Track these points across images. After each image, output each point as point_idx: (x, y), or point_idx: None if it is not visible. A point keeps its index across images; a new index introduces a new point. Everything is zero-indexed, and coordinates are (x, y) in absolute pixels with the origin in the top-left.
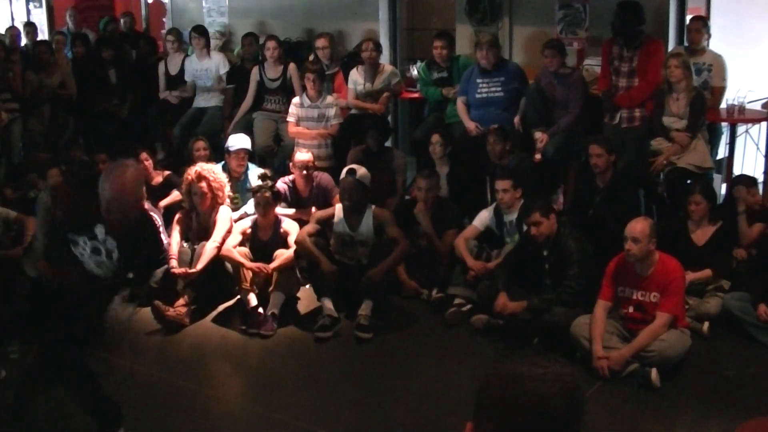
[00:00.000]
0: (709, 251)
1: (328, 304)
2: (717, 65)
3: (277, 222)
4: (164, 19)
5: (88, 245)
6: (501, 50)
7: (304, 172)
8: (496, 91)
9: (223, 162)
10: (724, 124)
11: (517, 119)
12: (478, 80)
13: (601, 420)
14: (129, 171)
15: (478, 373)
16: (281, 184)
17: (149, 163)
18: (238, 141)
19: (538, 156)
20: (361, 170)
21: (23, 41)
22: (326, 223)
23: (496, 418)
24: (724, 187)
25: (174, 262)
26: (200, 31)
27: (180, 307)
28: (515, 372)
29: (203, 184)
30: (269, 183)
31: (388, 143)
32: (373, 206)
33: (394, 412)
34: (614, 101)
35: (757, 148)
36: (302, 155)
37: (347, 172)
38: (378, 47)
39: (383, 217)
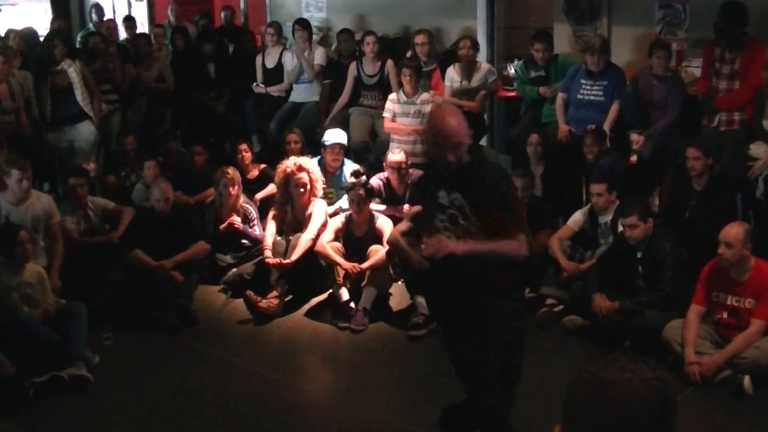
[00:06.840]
0: None
1: (421, 301)
2: None
3: (372, 218)
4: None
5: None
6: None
7: (397, 173)
8: (598, 95)
9: (319, 156)
10: None
11: (607, 125)
12: (582, 81)
13: (691, 427)
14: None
15: (569, 374)
16: (376, 181)
17: (248, 155)
18: (334, 136)
19: (633, 158)
20: None
21: (123, 35)
22: (419, 220)
23: (583, 424)
24: None
25: (268, 253)
26: (303, 24)
27: (272, 298)
28: (602, 378)
29: (303, 175)
30: (363, 180)
31: (483, 141)
32: None
33: None
34: (713, 104)
35: None
36: (395, 156)
37: None
38: (475, 45)
39: None
